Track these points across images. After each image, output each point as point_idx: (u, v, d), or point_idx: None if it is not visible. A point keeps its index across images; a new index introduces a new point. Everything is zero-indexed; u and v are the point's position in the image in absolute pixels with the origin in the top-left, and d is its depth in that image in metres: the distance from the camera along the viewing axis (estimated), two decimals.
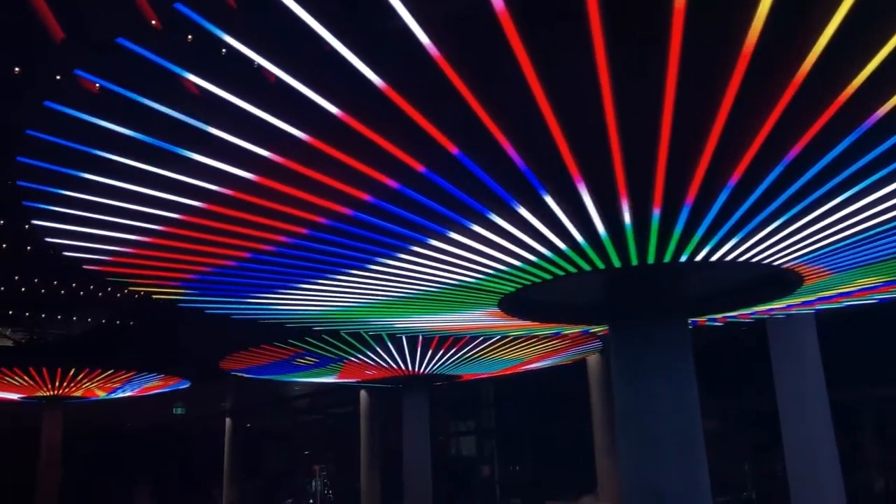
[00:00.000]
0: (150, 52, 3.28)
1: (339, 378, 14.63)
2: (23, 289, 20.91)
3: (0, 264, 19.48)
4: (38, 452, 19.11)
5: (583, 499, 16.99)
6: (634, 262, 5.05)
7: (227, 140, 3.83)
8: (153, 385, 19.40)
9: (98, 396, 19.66)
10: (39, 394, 18.53)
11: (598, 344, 12.95)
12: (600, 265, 5.10)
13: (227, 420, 28.28)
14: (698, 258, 5.11)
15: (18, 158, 3.98)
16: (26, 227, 18.28)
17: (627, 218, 4.42)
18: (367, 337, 11.19)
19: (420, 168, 3.94)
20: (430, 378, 13.88)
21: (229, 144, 3.86)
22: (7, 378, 17.30)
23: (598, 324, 6.96)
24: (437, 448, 20.22)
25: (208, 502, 27.86)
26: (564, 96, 3.45)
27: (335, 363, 12.33)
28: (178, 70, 3.35)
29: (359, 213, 4.48)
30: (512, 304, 6.12)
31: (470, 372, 13.96)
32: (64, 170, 4.12)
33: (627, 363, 5.68)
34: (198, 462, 30.01)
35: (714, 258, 5.14)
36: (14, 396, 18.68)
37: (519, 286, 5.63)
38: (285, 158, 3.97)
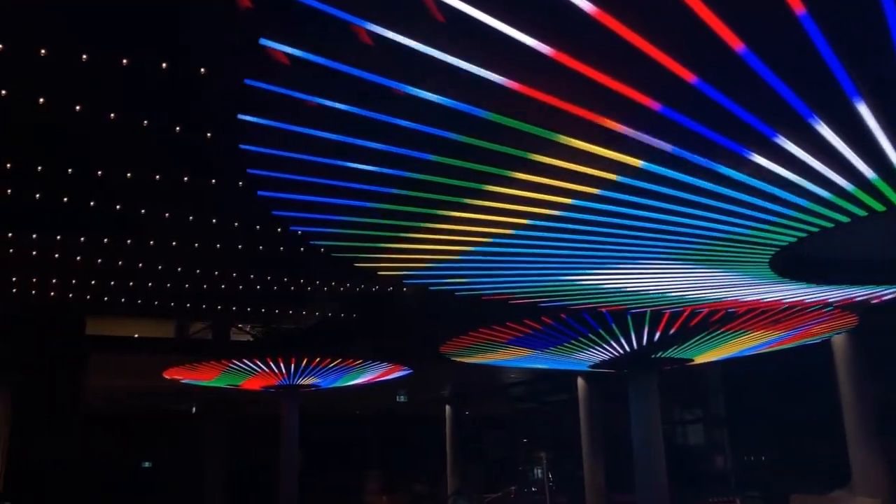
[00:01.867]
0: None
1: (564, 363, 14.01)
2: (258, 286, 22.49)
3: (237, 263, 21.05)
4: (279, 438, 20.37)
5: (835, 493, 15.25)
6: None
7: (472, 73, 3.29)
8: (380, 374, 19.99)
9: (329, 385, 20.63)
10: (277, 383, 19.73)
11: (853, 322, 11.31)
12: None
13: (447, 407, 28.75)
14: None
15: (239, 116, 3.73)
16: (258, 227, 19.59)
17: None
18: (592, 319, 10.47)
19: (691, 78, 3.16)
20: (660, 361, 12.85)
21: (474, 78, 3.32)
22: (249, 368, 18.55)
23: None
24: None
25: (433, 487, 28.52)
26: None
27: (562, 343, 11.72)
28: None
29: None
30: (788, 262, 5.09)
31: (706, 351, 12.71)
32: (287, 126, 3.82)
33: None
34: (421, 447, 30.89)
35: None
36: (261, 368, 19.85)
37: (800, 235, 4.63)
38: (534, 88, 3.37)
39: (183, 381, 20.20)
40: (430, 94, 3.43)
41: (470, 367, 20.11)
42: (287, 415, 20.44)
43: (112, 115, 12.57)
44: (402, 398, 28.19)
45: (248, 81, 3.47)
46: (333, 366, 18.70)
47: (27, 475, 22.42)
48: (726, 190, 4.05)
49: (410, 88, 3.40)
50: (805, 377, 17.94)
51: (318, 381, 19.79)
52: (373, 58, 3.23)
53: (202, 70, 12.21)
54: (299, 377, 19.14)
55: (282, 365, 18.46)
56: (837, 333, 13.71)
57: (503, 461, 29.58)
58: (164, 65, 12.11)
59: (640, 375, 13.15)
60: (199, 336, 28.63)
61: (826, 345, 15.14)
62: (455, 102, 3.50)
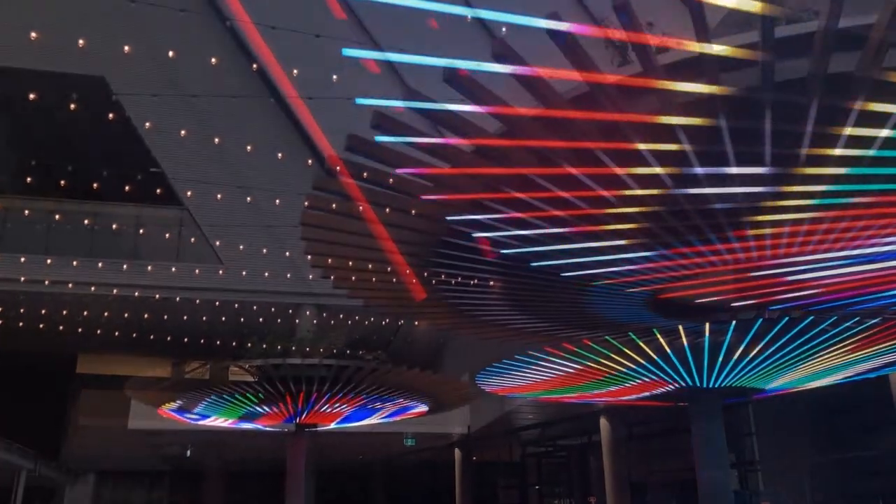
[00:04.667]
0: None
1: (616, 396, 12.60)
2: (261, 319, 21.17)
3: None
4: (284, 482, 18.83)
5: None
6: None
7: None
8: (389, 409, 18.55)
9: (336, 424, 19.12)
10: (282, 423, 18.24)
11: None
12: None
13: (456, 451, 27.24)
14: None
15: None
16: (265, 251, 18.33)
17: None
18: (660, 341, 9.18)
19: None
20: (726, 391, 11.50)
21: None
22: (252, 406, 17.16)
23: None
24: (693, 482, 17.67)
25: None
26: None
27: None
28: None
29: None
30: None
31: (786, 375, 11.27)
32: None
33: None
34: (430, 492, 29.48)
35: None
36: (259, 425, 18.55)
37: None
38: None
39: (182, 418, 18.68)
40: None
41: (482, 411, 18.81)
42: (292, 457, 18.77)
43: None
44: (409, 442, 26.64)
45: None
46: (340, 403, 17.28)
47: None
48: None
49: None
50: (853, 415, 16.80)
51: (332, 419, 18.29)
52: None
53: None
54: (308, 413, 17.66)
55: (288, 401, 17.04)
56: None
57: None
58: None
59: (701, 408, 11.83)
60: (195, 375, 27.17)
61: (876, 380, 13.95)
62: None
